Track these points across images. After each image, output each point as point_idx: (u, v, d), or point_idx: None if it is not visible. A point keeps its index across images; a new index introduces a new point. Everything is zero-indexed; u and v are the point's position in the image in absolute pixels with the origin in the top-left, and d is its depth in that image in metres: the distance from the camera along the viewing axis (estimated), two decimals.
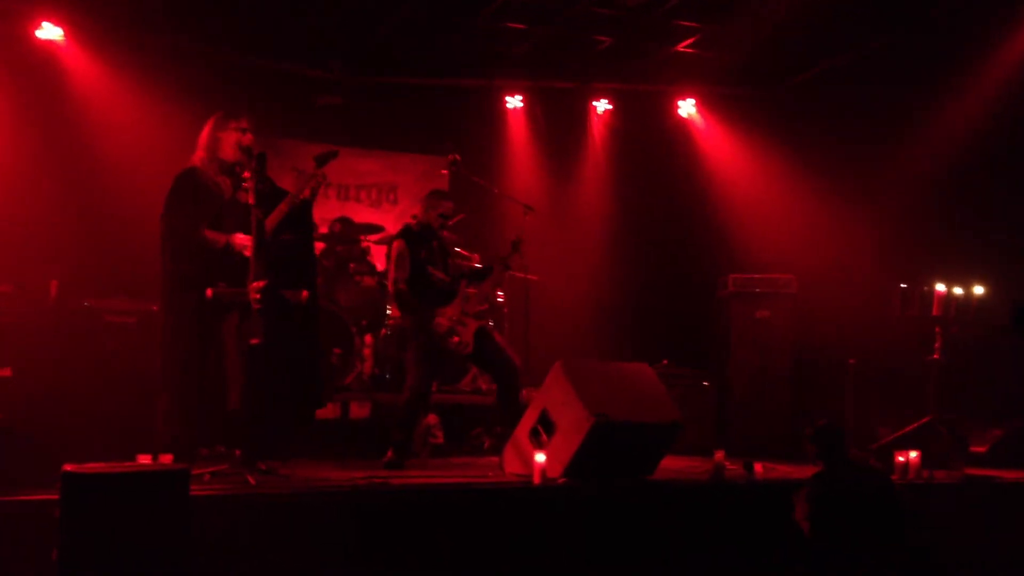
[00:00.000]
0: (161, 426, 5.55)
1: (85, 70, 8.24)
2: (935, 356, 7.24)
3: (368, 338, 8.23)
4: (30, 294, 6.61)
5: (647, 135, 10.20)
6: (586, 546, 5.42)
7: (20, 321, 6.43)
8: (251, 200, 5.38)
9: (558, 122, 10.25)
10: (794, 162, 9.39)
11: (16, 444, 5.06)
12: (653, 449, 6.06)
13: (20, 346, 6.31)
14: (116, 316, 6.74)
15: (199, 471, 5.21)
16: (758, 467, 6.45)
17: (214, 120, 5.77)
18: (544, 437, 5.81)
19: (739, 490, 6.01)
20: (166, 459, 5.07)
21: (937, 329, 7.26)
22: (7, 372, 6.10)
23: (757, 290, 8.55)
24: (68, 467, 4.17)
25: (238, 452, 5.53)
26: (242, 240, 5.51)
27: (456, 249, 7.92)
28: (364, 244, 8.66)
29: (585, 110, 10.32)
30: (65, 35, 8.19)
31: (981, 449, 7.16)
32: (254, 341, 5.33)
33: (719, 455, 6.07)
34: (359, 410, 8.13)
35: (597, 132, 10.34)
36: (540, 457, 5.61)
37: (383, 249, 8.58)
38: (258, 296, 5.30)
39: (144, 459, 4.98)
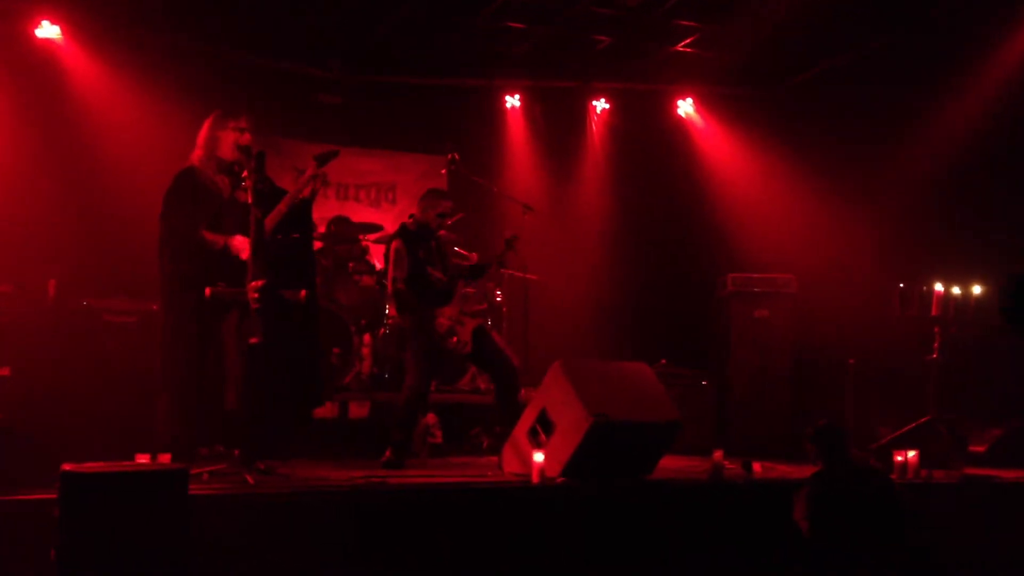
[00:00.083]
0: (160, 426, 5.55)
1: (84, 69, 8.23)
2: (934, 356, 7.24)
3: (367, 337, 8.23)
4: (29, 294, 6.61)
5: (646, 135, 10.20)
6: (585, 546, 5.42)
7: (19, 321, 6.42)
8: (250, 199, 5.38)
9: (557, 122, 10.26)
10: (794, 162, 9.39)
11: (15, 443, 5.05)
12: (652, 449, 6.06)
13: (19, 346, 6.31)
14: (115, 316, 6.73)
15: (198, 470, 5.21)
16: (757, 467, 6.47)
17: (212, 119, 5.76)
18: (543, 437, 5.81)
19: (738, 490, 6.02)
20: (165, 459, 5.07)
21: (936, 329, 7.26)
22: (6, 371, 6.10)
23: (756, 290, 8.55)
24: (67, 466, 4.18)
25: (237, 452, 5.53)
26: (240, 243, 5.50)
27: (455, 248, 7.93)
28: (363, 243, 8.66)
29: (584, 110, 10.32)
30: (64, 34, 8.18)
31: (980, 449, 7.16)
32: (253, 340, 5.33)
33: (718, 455, 6.07)
34: (358, 410, 8.14)
35: (596, 132, 10.34)
36: (539, 457, 5.61)
37: (382, 248, 8.58)
38: (257, 296, 5.30)
39: (143, 459, 4.97)
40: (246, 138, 5.69)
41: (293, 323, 5.68)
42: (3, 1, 7.98)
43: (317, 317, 6.04)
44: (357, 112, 9.67)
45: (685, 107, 10.24)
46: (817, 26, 8.61)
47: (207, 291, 5.40)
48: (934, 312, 7.25)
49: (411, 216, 6.88)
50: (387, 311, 8.13)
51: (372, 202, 10.04)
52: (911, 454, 6.26)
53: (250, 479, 5.24)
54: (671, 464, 6.51)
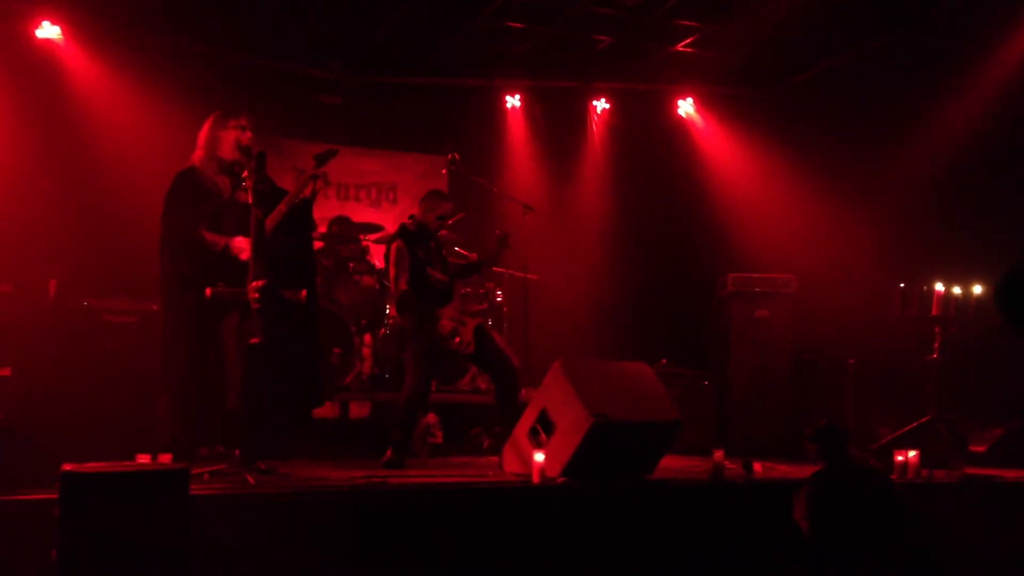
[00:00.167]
0: (161, 426, 5.56)
1: (85, 69, 8.23)
2: (934, 356, 7.24)
3: (367, 338, 8.23)
4: (30, 294, 6.61)
5: (646, 135, 10.20)
6: (585, 546, 5.42)
7: (20, 321, 6.42)
8: (250, 200, 5.38)
9: (558, 121, 10.26)
10: (794, 162, 9.39)
11: (15, 443, 5.05)
12: (652, 448, 6.07)
13: (19, 346, 6.30)
14: (115, 316, 6.73)
15: (198, 470, 5.21)
16: (757, 467, 6.46)
17: (213, 119, 5.77)
18: (543, 436, 5.81)
19: (738, 490, 6.02)
20: (165, 459, 5.07)
21: (936, 329, 7.26)
22: (7, 372, 6.09)
23: (757, 289, 8.55)
24: (67, 467, 4.17)
25: (237, 452, 5.53)
26: (241, 244, 5.50)
27: (456, 248, 7.93)
28: (364, 243, 8.66)
29: (584, 109, 10.32)
30: (64, 34, 8.18)
31: (981, 448, 7.16)
32: (254, 341, 5.33)
33: (718, 455, 6.07)
34: (358, 410, 8.14)
35: (596, 132, 10.34)
36: (539, 456, 5.61)
37: (382, 249, 8.58)
38: (257, 296, 5.30)
39: (143, 459, 4.97)
40: (247, 137, 5.69)
41: (293, 323, 5.68)
42: (3, 1, 7.98)
43: (317, 317, 6.04)
44: (358, 112, 9.67)
45: (685, 107, 10.25)
46: (817, 26, 8.61)
47: (207, 291, 5.41)
48: (934, 312, 7.25)
49: (411, 217, 6.88)
50: (387, 311, 8.13)
51: (373, 202, 10.04)
52: (912, 454, 6.26)
53: (251, 479, 5.24)
54: (672, 464, 6.51)
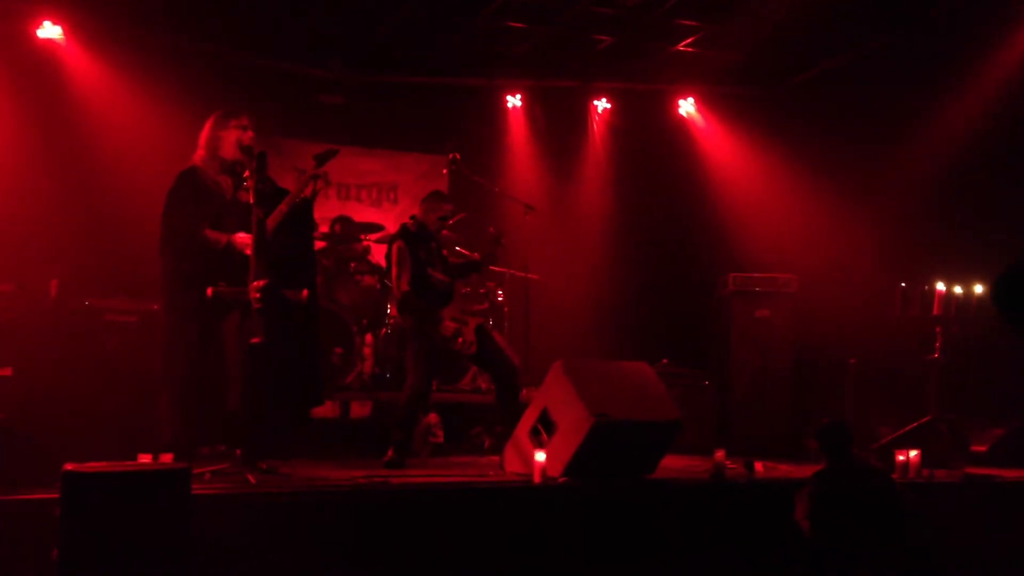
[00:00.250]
0: (162, 425, 5.55)
1: (85, 69, 8.24)
2: (935, 355, 7.24)
3: (368, 337, 8.24)
4: (31, 293, 6.61)
5: (647, 134, 10.20)
6: (586, 545, 5.42)
7: (21, 320, 6.42)
8: (251, 199, 5.38)
9: (558, 121, 10.26)
10: (795, 162, 9.39)
11: (16, 443, 5.06)
12: (653, 448, 6.07)
13: (20, 345, 6.30)
14: (116, 315, 6.73)
15: (200, 470, 5.21)
16: (758, 466, 6.46)
17: (214, 118, 5.77)
18: (544, 436, 5.82)
19: (739, 489, 6.02)
20: (167, 458, 5.07)
21: (938, 328, 7.26)
22: (8, 371, 6.09)
23: (757, 289, 8.55)
24: (69, 466, 4.18)
25: (239, 451, 5.53)
26: (243, 239, 5.51)
27: (457, 248, 7.92)
28: (365, 243, 8.66)
29: (585, 109, 10.32)
30: (65, 34, 8.18)
31: (982, 448, 7.15)
32: (255, 340, 5.33)
33: (719, 454, 6.07)
34: (360, 409, 8.14)
35: (597, 131, 10.34)
36: (540, 456, 5.61)
37: (383, 248, 8.58)
38: (259, 295, 5.30)
39: (145, 458, 4.97)
40: (248, 136, 5.69)
41: (294, 323, 5.68)
42: (5, 1, 7.98)
43: (318, 317, 6.05)
44: (358, 112, 9.66)
45: (686, 107, 10.25)
46: (817, 26, 8.61)
47: (208, 291, 5.41)
48: (935, 312, 7.25)
49: (412, 217, 6.88)
50: (388, 311, 8.13)
51: (374, 202, 10.05)
52: (913, 454, 6.26)
53: (252, 479, 5.25)
54: (673, 464, 6.51)
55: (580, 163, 10.37)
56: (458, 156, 7.68)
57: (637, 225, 10.03)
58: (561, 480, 5.63)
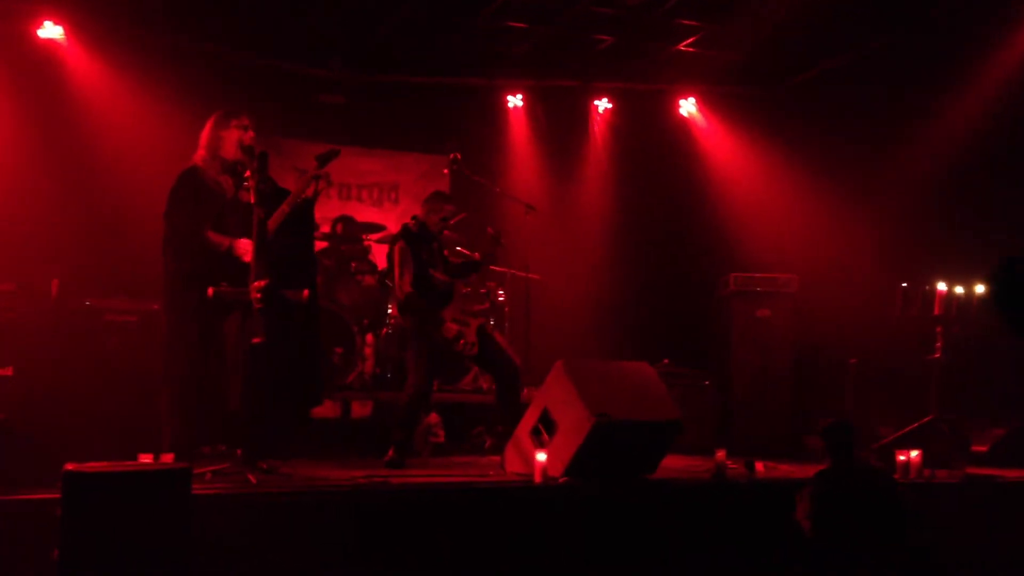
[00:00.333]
0: (162, 425, 5.55)
1: (86, 69, 8.24)
2: (936, 355, 7.23)
3: (369, 337, 8.24)
4: (31, 293, 6.61)
5: (648, 134, 10.20)
6: (587, 545, 5.42)
7: (21, 320, 6.43)
8: (252, 199, 5.38)
9: (559, 121, 10.26)
10: (795, 161, 9.39)
11: (17, 443, 5.05)
12: (654, 448, 6.07)
13: (21, 345, 6.31)
14: (117, 315, 6.74)
15: (200, 470, 5.21)
16: (759, 466, 6.46)
17: (215, 118, 5.76)
18: (545, 436, 5.82)
19: (740, 489, 6.01)
20: (167, 458, 5.07)
21: (938, 328, 7.25)
22: (8, 371, 6.10)
23: (758, 289, 8.54)
24: (69, 466, 4.18)
25: (239, 451, 5.53)
26: (244, 246, 5.50)
27: (458, 248, 7.92)
28: (366, 243, 8.66)
29: (586, 109, 10.33)
30: (66, 34, 8.19)
31: (982, 448, 7.15)
32: (255, 340, 5.33)
33: (720, 454, 6.08)
34: (360, 409, 8.13)
35: (598, 131, 10.35)
36: (541, 456, 5.61)
37: (384, 248, 8.58)
38: (259, 296, 5.30)
39: (145, 458, 4.97)
40: (249, 136, 5.69)
41: (295, 323, 5.68)
42: (5, 1, 7.98)
43: (318, 317, 6.05)
44: (358, 112, 9.66)
45: (687, 106, 10.25)
46: (817, 26, 8.61)
47: (209, 291, 5.40)
48: (936, 312, 7.24)
49: (414, 217, 6.87)
50: (389, 311, 8.13)
51: (374, 202, 10.05)
52: (913, 454, 6.26)
53: (252, 479, 5.24)
54: (673, 464, 6.51)
55: (581, 163, 10.37)
56: (459, 156, 7.67)
57: (638, 225, 10.04)
58: (562, 480, 5.63)
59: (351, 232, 8.66)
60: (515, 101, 10.18)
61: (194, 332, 5.53)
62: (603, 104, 10.32)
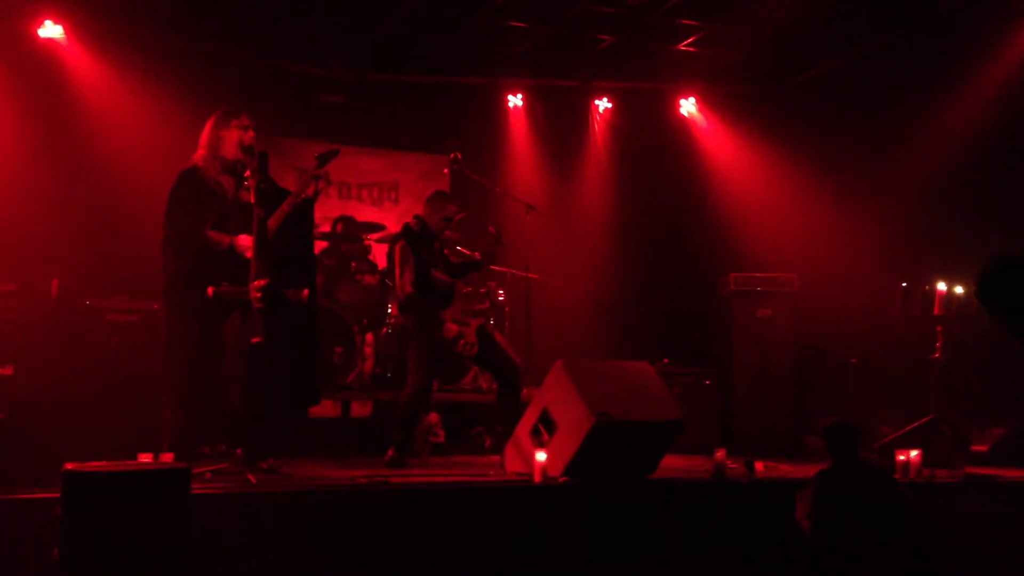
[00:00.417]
0: (162, 425, 5.55)
1: (87, 69, 8.23)
2: (936, 355, 7.23)
3: (369, 337, 8.24)
4: (32, 293, 6.62)
5: (648, 134, 10.20)
6: (587, 545, 5.42)
7: (22, 320, 6.43)
8: (253, 199, 5.39)
9: (559, 120, 10.26)
10: (795, 161, 9.39)
11: (17, 442, 5.06)
12: (654, 448, 6.07)
13: (22, 345, 6.32)
14: (117, 315, 6.75)
15: (200, 469, 5.21)
16: (759, 466, 6.45)
17: (215, 118, 5.76)
18: (545, 436, 5.81)
19: (740, 489, 6.01)
20: (167, 458, 5.08)
21: (939, 328, 7.25)
22: (9, 371, 6.11)
23: (759, 289, 8.54)
24: (69, 466, 4.18)
25: (240, 451, 5.53)
26: (245, 242, 5.51)
27: (458, 248, 7.92)
28: (366, 243, 8.66)
29: (586, 108, 10.32)
30: (66, 33, 8.18)
31: (983, 448, 7.15)
32: (255, 340, 5.33)
33: (720, 454, 6.07)
34: (360, 409, 8.14)
35: (598, 131, 10.34)
36: (541, 456, 5.61)
37: (384, 248, 8.58)
38: (259, 295, 5.30)
39: (145, 458, 4.98)
40: (249, 136, 5.69)
41: (295, 322, 5.68)
42: (6, 1, 7.97)
43: (317, 316, 6.05)
44: (358, 111, 9.65)
45: (687, 106, 10.25)
46: (817, 26, 8.61)
47: (209, 290, 5.41)
48: (936, 311, 7.24)
49: (415, 217, 6.86)
50: (389, 310, 8.13)
51: (375, 201, 10.05)
52: (914, 453, 6.26)
53: (253, 478, 5.24)
54: (674, 463, 6.51)
55: (581, 163, 10.37)
56: (459, 155, 7.68)
57: (638, 224, 10.03)
58: (562, 480, 5.63)
59: (351, 232, 8.65)
60: (515, 101, 10.18)
61: (194, 332, 5.53)
62: (603, 104, 10.32)
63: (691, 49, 9.43)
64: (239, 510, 4.87)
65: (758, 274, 8.61)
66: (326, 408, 7.64)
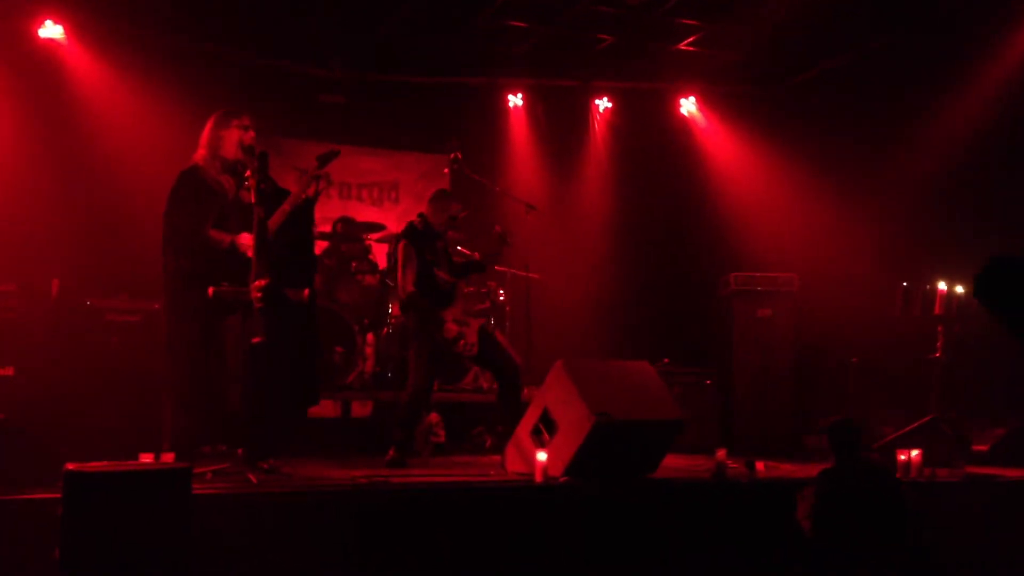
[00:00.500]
0: (163, 425, 5.55)
1: (87, 69, 8.24)
2: (937, 355, 7.24)
3: (370, 337, 8.24)
4: (32, 293, 6.62)
5: (648, 133, 10.20)
6: (587, 545, 5.42)
7: (22, 320, 6.43)
8: (253, 199, 5.39)
9: (559, 120, 10.26)
10: (796, 160, 9.39)
11: (18, 443, 5.06)
12: (655, 447, 6.07)
13: (22, 345, 6.31)
14: (118, 315, 6.74)
15: (201, 469, 5.21)
16: (760, 466, 6.46)
17: (216, 118, 5.76)
18: (546, 436, 5.81)
19: (741, 489, 6.01)
20: (168, 458, 5.08)
21: (939, 328, 7.26)
22: (9, 371, 6.10)
23: (759, 288, 8.54)
24: (70, 466, 4.18)
25: (240, 451, 5.53)
26: (247, 240, 5.51)
27: (458, 248, 7.92)
28: (366, 243, 8.65)
29: (586, 108, 10.33)
30: (67, 34, 8.19)
31: (983, 448, 7.15)
32: (256, 340, 5.33)
33: (721, 454, 6.07)
34: (361, 409, 8.14)
35: (598, 130, 10.35)
36: (542, 456, 5.61)
37: (385, 248, 8.59)
38: (260, 295, 5.30)
39: (146, 458, 4.97)
40: (250, 136, 5.69)
41: (295, 322, 5.68)
42: (6, 1, 7.97)
43: (316, 316, 6.04)
44: (358, 112, 9.65)
45: (688, 106, 10.25)
46: (817, 26, 8.61)
47: (210, 290, 5.41)
48: (937, 311, 7.25)
49: (420, 215, 6.84)
50: (390, 310, 8.13)
51: (375, 201, 10.05)
52: (914, 453, 6.26)
53: (253, 478, 5.24)
54: (674, 463, 6.51)
55: (581, 162, 10.37)
56: (459, 155, 7.67)
57: (638, 224, 10.04)
58: (562, 480, 5.63)
59: (351, 232, 8.65)
60: (515, 100, 10.18)
61: (195, 332, 5.53)
62: (603, 103, 10.32)
63: (691, 49, 9.43)
64: (240, 510, 4.87)
65: (758, 274, 8.61)
66: (326, 408, 7.65)
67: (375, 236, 8.72)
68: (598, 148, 10.35)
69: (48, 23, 8.13)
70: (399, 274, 6.62)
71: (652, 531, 5.55)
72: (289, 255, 5.65)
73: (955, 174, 8.20)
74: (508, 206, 8.50)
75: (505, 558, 5.24)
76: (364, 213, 9.53)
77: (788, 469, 6.75)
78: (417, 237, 6.66)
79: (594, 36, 9.30)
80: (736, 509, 5.77)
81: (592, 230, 10.12)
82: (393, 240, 6.90)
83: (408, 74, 9.74)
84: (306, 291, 5.69)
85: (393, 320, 8.10)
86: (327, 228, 8.64)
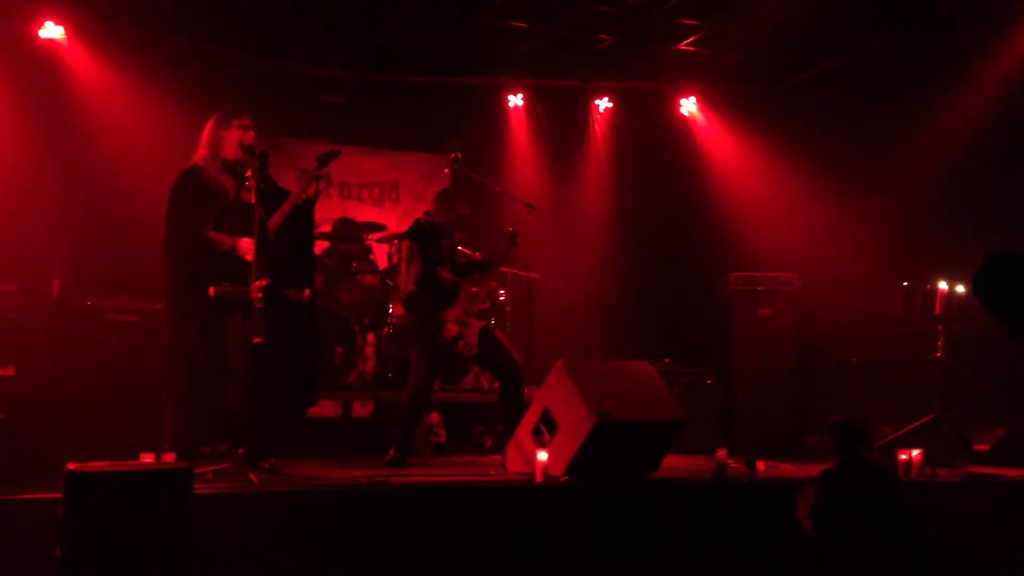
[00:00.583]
0: (164, 425, 5.55)
1: (87, 69, 8.24)
2: (937, 354, 7.24)
3: (370, 337, 8.24)
4: (33, 293, 6.61)
5: (649, 133, 10.20)
6: (587, 545, 5.42)
7: (23, 320, 6.43)
8: (253, 199, 5.39)
9: (560, 120, 10.26)
10: (796, 160, 9.39)
11: (19, 443, 5.06)
12: (655, 447, 6.07)
13: (23, 345, 6.31)
14: (119, 315, 6.74)
15: (202, 469, 5.22)
16: (760, 465, 6.46)
17: (216, 118, 5.76)
18: (546, 436, 5.82)
19: (741, 489, 6.01)
20: (169, 458, 5.08)
21: (940, 327, 7.26)
22: (10, 371, 6.11)
23: (759, 288, 8.53)
24: (71, 466, 4.18)
25: (241, 451, 5.54)
26: (247, 245, 5.50)
27: (459, 248, 7.92)
28: (366, 243, 8.66)
29: (587, 108, 10.33)
30: (67, 34, 8.19)
31: (984, 447, 7.16)
32: (256, 340, 5.33)
33: (721, 453, 6.08)
34: (361, 409, 8.14)
35: (599, 130, 10.35)
36: (542, 456, 5.61)
37: (385, 248, 8.59)
38: (260, 295, 5.30)
39: (147, 458, 4.97)
40: (250, 136, 5.69)
41: (296, 322, 5.69)
42: (6, 1, 7.98)
43: (316, 316, 6.05)
44: (359, 112, 9.66)
45: (688, 106, 10.25)
46: (817, 26, 8.61)
47: (211, 291, 5.41)
48: (937, 311, 7.25)
49: (426, 213, 6.82)
50: (390, 310, 8.13)
51: (375, 201, 10.05)
52: (915, 453, 6.26)
53: (254, 478, 5.24)
54: (675, 463, 6.51)
55: (581, 162, 10.37)
56: (459, 155, 7.67)
57: (638, 224, 10.04)
58: (563, 479, 5.63)
59: (351, 232, 8.65)
60: (515, 100, 10.18)
61: (195, 332, 5.53)
62: (603, 103, 10.32)
63: (691, 49, 9.43)
64: (241, 510, 4.87)
65: (758, 274, 8.61)
66: (327, 408, 7.65)
67: (375, 236, 8.72)
68: (598, 148, 10.35)
69: (48, 24, 8.12)
70: (403, 272, 6.62)
71: (652, 531, 5.55)
72: (289, 255, 5.65)
73: (955, 174, 8.20)
74: (508, 206, 8.49)
75: (505, 558, 5.24)
76: (364, 213, 9.53)
77: (788, 469, 6.75)
78: (422, 236, 6.65)
79: (594, 36, 9.30)
80: (736, 509, 5.77)
81: (592, 230, 10.12)
82: (399, 238, 6.88)
83: (408, 74, 9.75)
84: (306, 291, 5.70)
85: (394, 320, 8.10)
86: (327, 228, 8.64)
